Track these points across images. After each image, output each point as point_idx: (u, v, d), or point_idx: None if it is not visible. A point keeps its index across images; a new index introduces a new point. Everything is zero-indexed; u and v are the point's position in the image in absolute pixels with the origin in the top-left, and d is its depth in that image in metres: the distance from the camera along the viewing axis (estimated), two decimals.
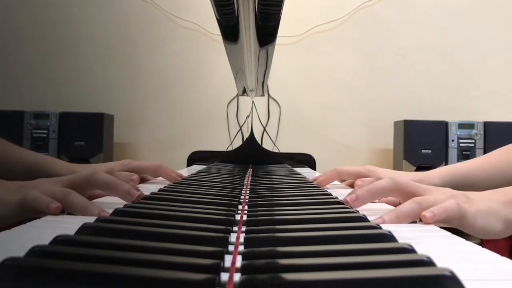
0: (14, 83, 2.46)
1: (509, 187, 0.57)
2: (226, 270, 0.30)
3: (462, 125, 2.17)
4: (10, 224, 0.48)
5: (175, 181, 0.83)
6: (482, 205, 0.53)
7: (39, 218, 0.49)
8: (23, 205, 0.52)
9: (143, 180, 0.92)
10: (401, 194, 0.58)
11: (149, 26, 2.47)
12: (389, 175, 0.78)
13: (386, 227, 0.40)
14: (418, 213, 0.51)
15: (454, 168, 0.85)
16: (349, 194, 0.58)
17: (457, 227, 0.53)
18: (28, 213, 0.52)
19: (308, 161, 1.47)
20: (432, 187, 0.58)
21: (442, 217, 0.50)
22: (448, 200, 0.51)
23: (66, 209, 0.52)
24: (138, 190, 0.59)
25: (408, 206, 0.52)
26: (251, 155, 1.46)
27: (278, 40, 0.79)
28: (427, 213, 0.50)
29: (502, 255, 0.35)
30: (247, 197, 0.64)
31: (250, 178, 0.96)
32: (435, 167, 1.54)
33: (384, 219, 0.50)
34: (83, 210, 0.51)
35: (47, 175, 0.80)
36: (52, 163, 0.87)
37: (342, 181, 0.95)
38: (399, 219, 0.50)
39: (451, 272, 0.25)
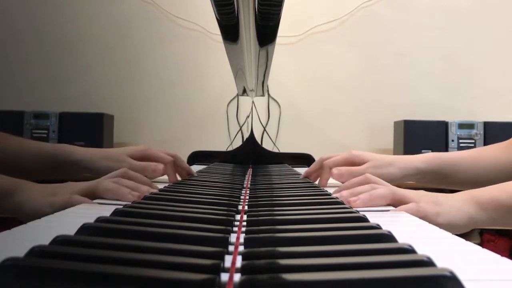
0: (14, 83, 2.46)
1: (476, 189, 0.64)
2: (226, 270, 0.30)
3: (462, 125, 2.17)
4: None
5: (176, 182, 0.83)
6: (447, 206, 0.60)
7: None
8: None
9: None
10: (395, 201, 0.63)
11: (149, 26, 2.46)
12: (374, 158, 0.84)
13: (385, 227, 0.40)
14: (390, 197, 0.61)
15: (441, 155, 0.88)
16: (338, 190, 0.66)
17: None
18: None
19: (308, 161, 1.47)
20: (415, 195, 0.63)
21: None
22: (410, 204, 0.59)
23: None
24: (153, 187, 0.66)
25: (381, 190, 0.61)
26: (251, 155, 1.46)
27: (278, 40, 0.80)
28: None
29: (502, 255, 0.35)
30: (247, 197, 0.64)
31: (250, 178, 0.96)
32: None
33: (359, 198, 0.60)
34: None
35: (69, 163, 0.85)
36: (70, 150, 0.86)
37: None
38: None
39: (451, 272, 0.25)
